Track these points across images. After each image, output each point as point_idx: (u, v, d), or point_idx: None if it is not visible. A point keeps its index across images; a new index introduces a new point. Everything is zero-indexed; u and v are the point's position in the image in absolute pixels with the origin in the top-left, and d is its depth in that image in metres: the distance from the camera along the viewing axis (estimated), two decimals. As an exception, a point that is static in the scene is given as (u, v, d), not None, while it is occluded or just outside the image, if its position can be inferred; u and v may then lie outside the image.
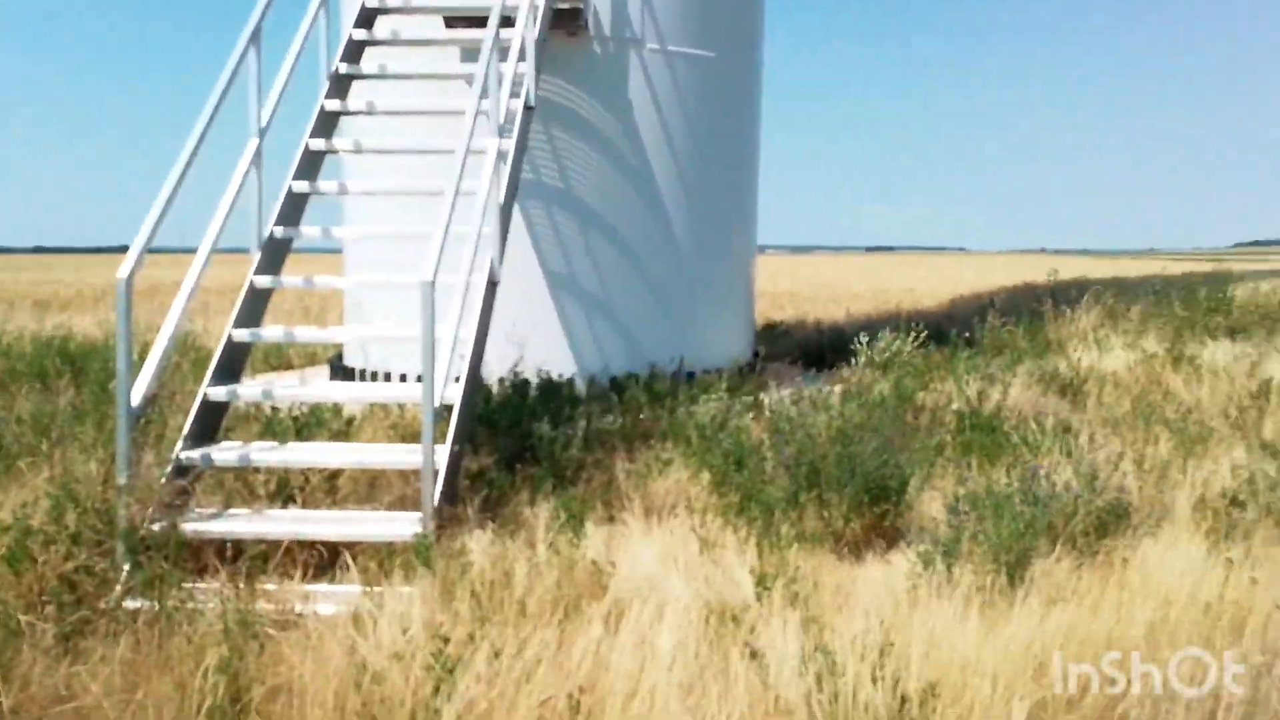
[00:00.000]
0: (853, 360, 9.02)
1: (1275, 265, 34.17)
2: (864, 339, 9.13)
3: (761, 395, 7.04)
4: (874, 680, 2.84)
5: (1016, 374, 7.75)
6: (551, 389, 7.09)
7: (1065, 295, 13.24)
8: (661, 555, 4.27)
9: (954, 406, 6.64)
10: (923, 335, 9.16)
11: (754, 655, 3.05)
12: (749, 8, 9.33)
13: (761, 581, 3.78)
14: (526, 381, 7.06)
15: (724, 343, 8.88)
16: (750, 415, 6.29)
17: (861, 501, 4.78)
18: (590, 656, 3.12)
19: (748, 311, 9.83)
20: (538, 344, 7.55)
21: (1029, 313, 12.18)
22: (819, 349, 10.96)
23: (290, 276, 5.75)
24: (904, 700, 2.79)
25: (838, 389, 7.09)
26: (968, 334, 9.72)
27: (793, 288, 27.14)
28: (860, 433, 5.23)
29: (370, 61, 6.82)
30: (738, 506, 4.86)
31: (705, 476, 5.31)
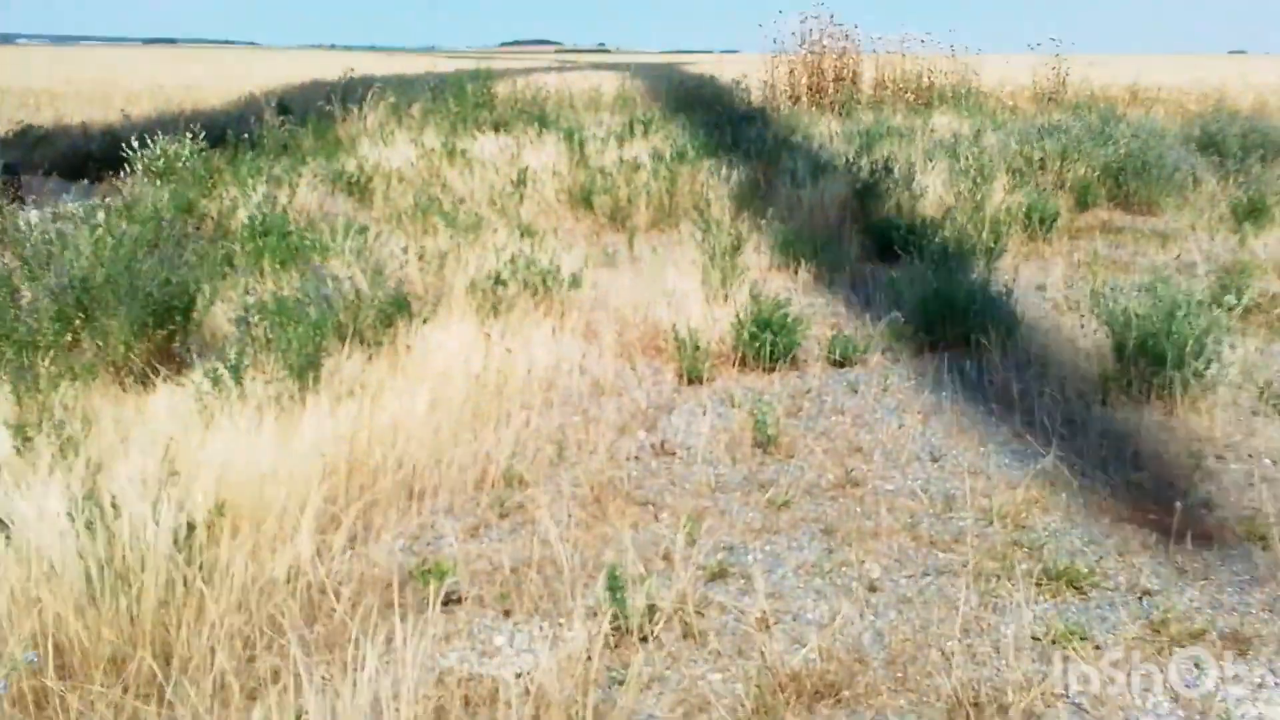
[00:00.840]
0: (127, 169, 8.11)
1: (530, 64, 38.40)
2: (138, 145, 8.21)
3: (10, 215, 5.98)
4: (156, 517, 2.66)
5: (303, 175, 7.64)
6: None
7: (354, 93, 13.32)
8: None
9: (240, 213, 6.35)
10: (204, 138, 8.49)
11: (2, 524, 2.64)
12: None
13: (20, 432, 3.28)
14: None
15: (-51, 154, 7.25)
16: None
17: (145, 324, 4.37)
18: None
19: (-20, 115, 8.11)
20: None
21: (318, 111, 12.06)
22: (86, 158, 9.75)
23: None
24: (191, 529, 2.67)
25: (109, 202, 6.32)
26: (249, 135, 9.29)
27: (53, 86, 23.21)
28: (138, 248, 4.73)
29: None
30: (-17, 352, 4.11)
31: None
